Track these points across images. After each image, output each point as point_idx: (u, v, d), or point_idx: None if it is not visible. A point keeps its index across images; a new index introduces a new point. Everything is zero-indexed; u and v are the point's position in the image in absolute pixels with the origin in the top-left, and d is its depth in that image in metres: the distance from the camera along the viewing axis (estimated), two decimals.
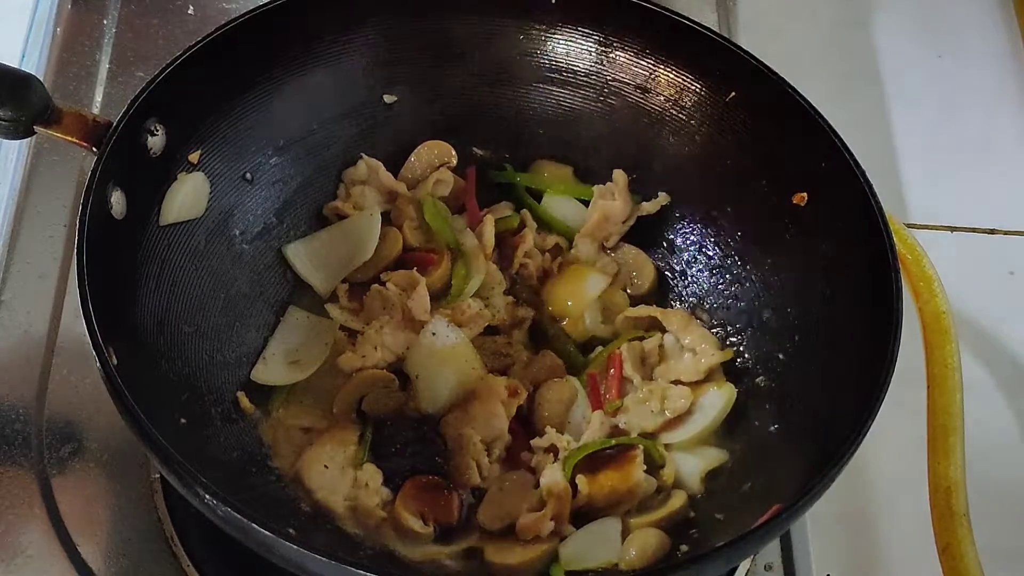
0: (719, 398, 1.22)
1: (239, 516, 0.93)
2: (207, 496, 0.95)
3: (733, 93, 1.27)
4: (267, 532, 0.93)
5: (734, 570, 1.25)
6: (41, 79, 1.52)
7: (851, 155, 1.17)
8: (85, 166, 1.11)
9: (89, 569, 1.21)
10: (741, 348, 1.26)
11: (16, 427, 1.29)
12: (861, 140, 1.20)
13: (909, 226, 1.41)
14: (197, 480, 0.96)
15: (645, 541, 1.10)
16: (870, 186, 1.15)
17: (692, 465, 1.19)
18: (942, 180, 1.63)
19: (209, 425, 1.14)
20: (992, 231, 1.59)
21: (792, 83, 1.23)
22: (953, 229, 1.58)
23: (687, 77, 1.29)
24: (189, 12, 1.66)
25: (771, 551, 1.28)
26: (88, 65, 1.58)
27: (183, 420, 1.09)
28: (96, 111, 1.53)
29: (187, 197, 1.20)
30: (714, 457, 1.20)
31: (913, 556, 1.30)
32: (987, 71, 1.76)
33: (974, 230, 1.59)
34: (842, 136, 1.19)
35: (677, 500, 1.16)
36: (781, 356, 1.22)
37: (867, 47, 1.77)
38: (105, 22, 1.63)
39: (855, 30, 1.80)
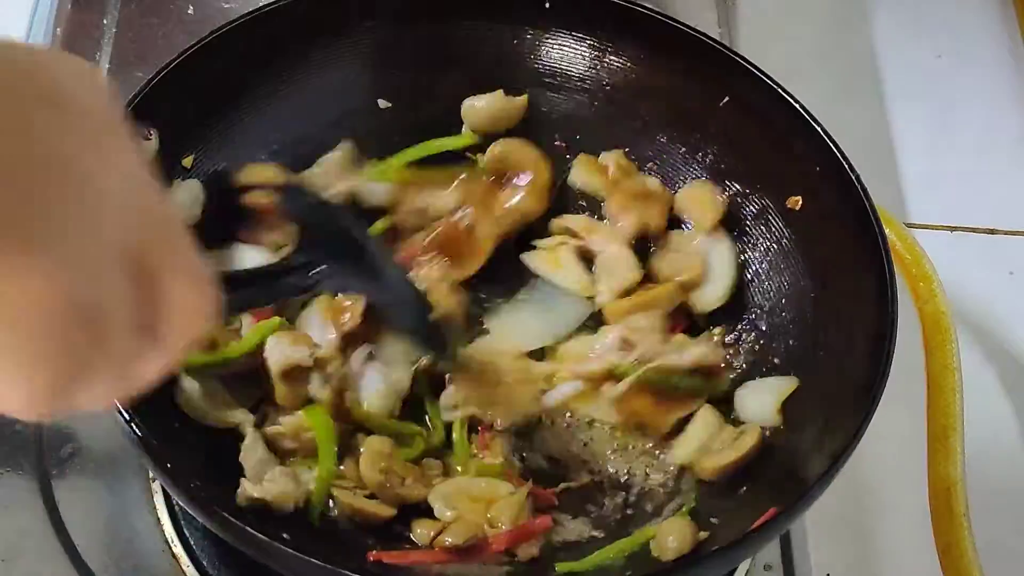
0: (724, 250, 1.25)
1: (234, 520, 0.94)
2: (201, 501, 0.96)
3: (727, 97, 1.27)
4: (262, 537, 0.93)
5: (733, 570, 1.25)
6: None
7: (845, 158, 1.17)
8: None
9: (89, 569, 1.21)
10: (738, 351, 1.26)
11: (16, 427, 1.29)
12: (861, 140, 1.21)
13: (909, 226, 1.41)
14: (191, 485, 0.96)
15: (683, 532, 1.08)
16: (865, 190, 1.15)
17: (764, 396, 1.18)
18: (942, 180, 1.63)
19: (205, 428, 1.14)
20: (992, 231, 1.59)
21: (792, 82, 1.23)
22: (953, 229, 1.58)
23: (681, 82, 1.29)
24: (189, 12, 1.66)
25: (771, 551, 1.28)
26: None
27: (177, 424, 1.09)
28: None
29: (181, 204, 1.20)
30: (785, 386, 1.18)
31: (913, 556, 1.30)
32: (987, 71, 1.76)
33: (974, 230, 1.59)
34: (842, 136, 1.19)
35: (750, 437, 1.14)
36: (776, 360, 1.22)
37: (867, 47, 1.76)
38: (105, 22, 1.63)
39: (855, 30, 1.80)
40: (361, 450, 1.12)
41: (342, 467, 1.12)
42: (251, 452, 1.08)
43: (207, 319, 0.66)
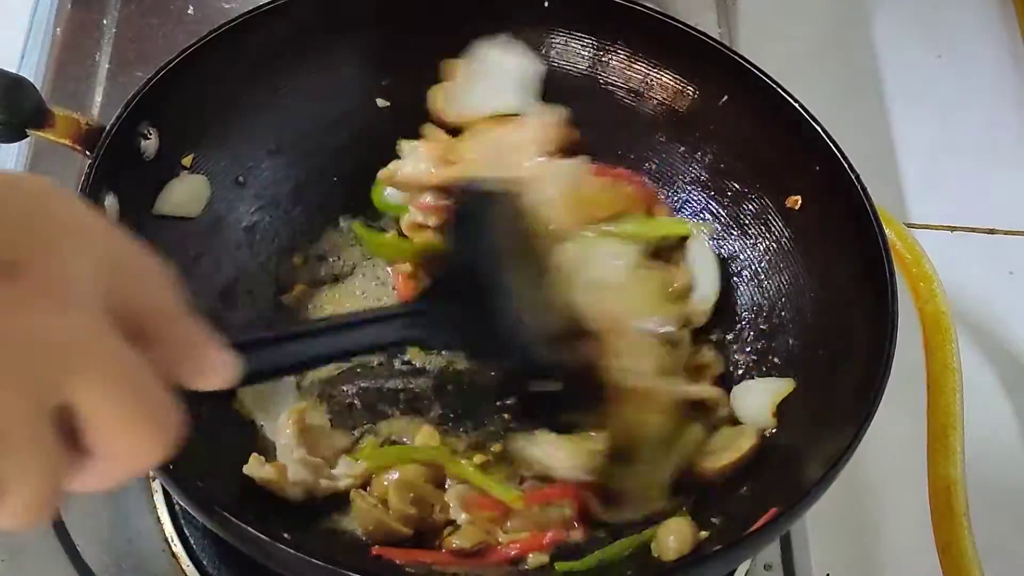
0: (702, 249, 1.26)
1: (234, 520, 0.94)
2: (201, 501, 0.96)
3: (726, 97, 1.27)
4: (263, 536, 0.93)
5: (733, 570, 1.25)
6: (41, 79, 1.52)
7: (845, 158, 1.17)
8: (83, 167, 1.11)
9: (89, 569, 1.21)
10: (737, 352, 1.26)
11: None
12: (861, 140, 1.20)
13: (909, 226, 1.41)
14: (191, 484, 0.96)
15: (683, 532, 1.08)
16: (864, 189, 1.15)
17: (760, 398, 1.18)
18: (942, 180, 1.63)
19: (205, 428, 1.13)
20: (992, 231, 1.59)
21: (791, 83, 1.22)
22: (953, 229, 1.58)
23: (681, 81, 1.29)
24: (189, 12, 1.66)
25: (771, 551, 1.28)
26: (88, 65, 1.58)
27: None
28: (96, 111, 1.54)
29: (181, 200, 1.20)
30: (781, 387, 1.18)
31: (913, 556, 1.30)
32: (987, 71, 1.76)
33: (974, 230, 1.59)
34: (842, 136, 1.19)
35: (747, 439, 1.15)
36: (776, 360, 1.22)
37: (867, 47, 1.76)
38: (105, 22, 1.63)
39: (855, 30, 1.79)
40: (392, 477, 1.13)
41: (369, 487, 1.13)
42: (283, 432, 1.11)
43: (153, 446, 0.65)
